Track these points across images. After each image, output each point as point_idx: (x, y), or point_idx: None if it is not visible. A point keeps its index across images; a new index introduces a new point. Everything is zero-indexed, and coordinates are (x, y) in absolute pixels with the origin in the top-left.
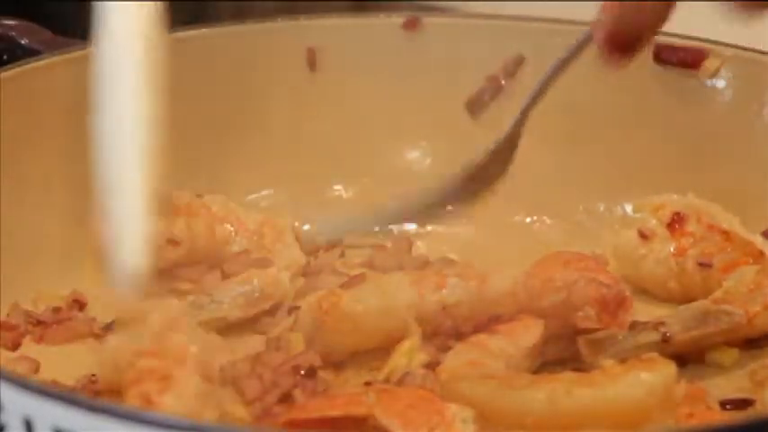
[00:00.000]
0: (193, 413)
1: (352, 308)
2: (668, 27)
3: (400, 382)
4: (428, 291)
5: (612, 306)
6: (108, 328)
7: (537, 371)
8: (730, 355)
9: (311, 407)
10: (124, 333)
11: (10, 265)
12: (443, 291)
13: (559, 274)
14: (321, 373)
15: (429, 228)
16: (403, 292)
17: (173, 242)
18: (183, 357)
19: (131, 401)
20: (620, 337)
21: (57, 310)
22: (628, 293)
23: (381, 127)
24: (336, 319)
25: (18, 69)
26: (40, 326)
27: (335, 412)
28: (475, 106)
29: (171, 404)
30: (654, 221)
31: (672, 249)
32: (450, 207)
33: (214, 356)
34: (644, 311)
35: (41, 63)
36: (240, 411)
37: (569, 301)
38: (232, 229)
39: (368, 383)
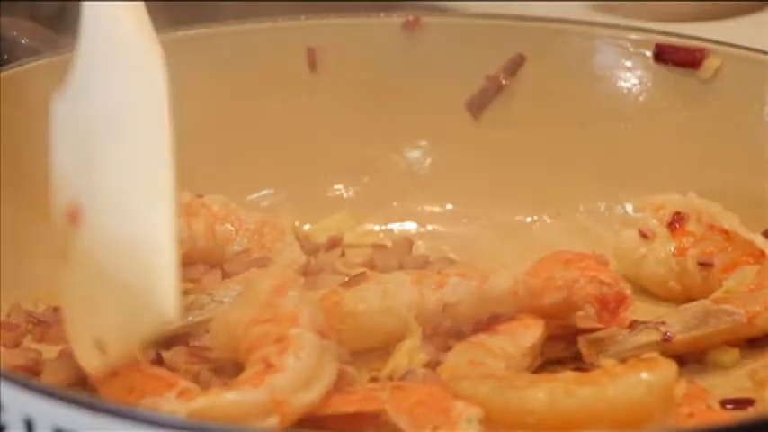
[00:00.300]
0: (314, 368)
1: (352, 307)
2: (668, 27)
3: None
4: (429, 290)
5: (613, 304)
6: None
7: (537, 371)
8: (731, 354)
9: (326, 403)
10: (234, 305)
11: (10, 265)
12: (444, 290)
13: (560, 273)
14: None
15: (429, 227)
16: (404, 291)
17: None
18: (296, 318)
19: (252, 367)
20: (621, 337)
21: (57, 309)
22: (628, 292)
23: (381, 127)
24: (337, 319)
25: (18, 69)
26: (41, 326)
27: (350, 408)
28: (475, 106)
29: (291, 363)
30: (654, 221)
31: (672, 249)
32: None
33: (322, 315)
34: (644, 311)
35: (41, 63)
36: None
37: (570, 301)
38: (232, 228)
39: (374, 379)
